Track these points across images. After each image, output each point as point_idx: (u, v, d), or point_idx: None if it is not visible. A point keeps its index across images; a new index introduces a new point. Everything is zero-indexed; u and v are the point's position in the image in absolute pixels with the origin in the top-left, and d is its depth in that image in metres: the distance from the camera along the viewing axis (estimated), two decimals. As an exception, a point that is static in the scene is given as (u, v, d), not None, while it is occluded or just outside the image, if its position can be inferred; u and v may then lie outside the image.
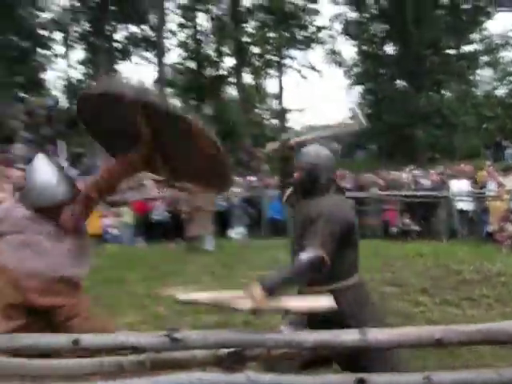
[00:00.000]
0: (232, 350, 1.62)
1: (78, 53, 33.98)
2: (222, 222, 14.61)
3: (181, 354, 1.55)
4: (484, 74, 41.48)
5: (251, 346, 1.64)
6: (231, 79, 35.51)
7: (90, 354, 1.49)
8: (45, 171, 3.22)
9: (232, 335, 1.60)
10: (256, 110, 41.00)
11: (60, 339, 1.46)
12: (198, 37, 34.67)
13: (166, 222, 14.23)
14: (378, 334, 2.14)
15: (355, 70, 38.41)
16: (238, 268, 8.45)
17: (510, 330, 2.17)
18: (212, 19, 34.77)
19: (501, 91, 40.47)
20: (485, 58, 37.98)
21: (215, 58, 35.79)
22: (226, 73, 35.23)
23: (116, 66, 32.97)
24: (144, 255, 10.20)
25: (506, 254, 9.85)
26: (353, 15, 35.14)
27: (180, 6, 34.43)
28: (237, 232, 13.49)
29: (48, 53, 32.61)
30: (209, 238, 10.81)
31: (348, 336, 2.03)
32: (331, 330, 1.92)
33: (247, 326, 5.47)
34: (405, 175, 15.27)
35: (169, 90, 35.30)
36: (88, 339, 1.44)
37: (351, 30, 35.02)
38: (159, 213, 14.26)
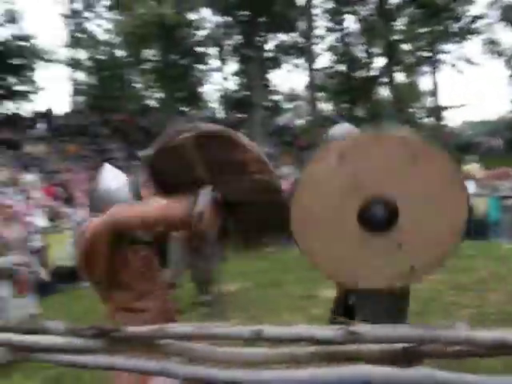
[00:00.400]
0: (408, 345, 1.63)
1: (232, 65, 35.50)
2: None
3: (356, 347, 1.60)
4: None
5: (428, 341, 1.63)
6: (383, 79, 34.87)
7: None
8: (108, 178, 3.35)
9: (409, 330, 1.60)
10: (410, 109, 39.89)
11: (243, 330, 1.60)
12: (346, 39, 34.60)
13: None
14: None
15: (517, 58, 35.77)
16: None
17: None
18: (360, 20, 34.48)
19: None
20: None
21: (365, 59, 35.45)
22: (377, 73, 34.70)
23: (267, 75, 34.02)
24: (299, 257, 10.33)
25: None
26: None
27: (327, 11, 34.59)
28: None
29: (205, 68, 34.56)
30: None
31: None
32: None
33: (419, 316, 5.32)
34: None
35: (320, 95, 35.57)
36: (270, 330, 1.56)
37: (511, 16, 32.69)
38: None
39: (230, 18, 30.23)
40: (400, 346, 1.62)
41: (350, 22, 34.43)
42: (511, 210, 13.05)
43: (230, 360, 1.61)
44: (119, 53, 34.36)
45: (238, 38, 31.01)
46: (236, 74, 36.36)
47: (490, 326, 4.51)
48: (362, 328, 1.56)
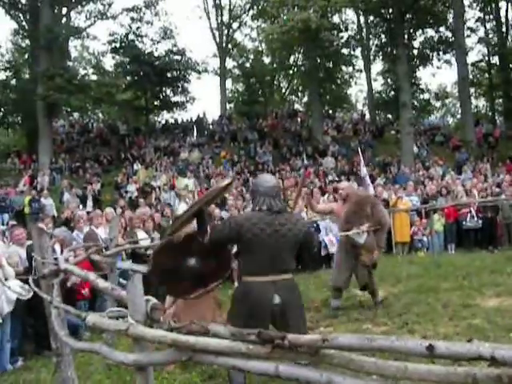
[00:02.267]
0: None
1: (378, 65, 34.92)
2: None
3: None
4: None
5: None
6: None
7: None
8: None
9: None
10: None
11: (415, 344, 1.57)
12: (501, 29, 32.42)
13: (478, 229, 13.65)
14: None
15: None
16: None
17: None
18: (516, 7, 32.16)
19: None
20: None
21: (523, 49, 33.00)
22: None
23: (416, 74, 32.94)
24: (456, 264, 9.91)
25: None
26: None
27: (478, 0, 32.70)
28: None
29: (350, 69, 34.36)
30: None
31: None
32: None
33: None
34: None
35: (472, 91, 33.72)
36: (443, 346, 1.51)
37: None
38: (471, 220, 13.73)
39: (374, 18, 29.74)
40: None
41: (505, 11, 32.22)
42: None
43: (401, 376, 1.58)
44: (266, 59, 35.33)
45: (383, 37, 30.39)
46: (383, 73, 35.70)
47: None
48: None
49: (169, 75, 30.59)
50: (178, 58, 30.62)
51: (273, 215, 3.94)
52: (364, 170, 14.57)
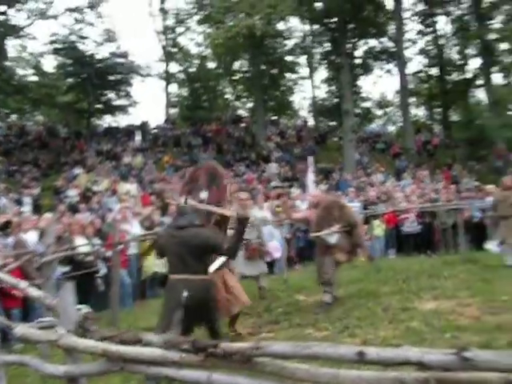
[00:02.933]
0: None
1: (322, 73, 35.44)
2: (478, 233, 13.86)
3: (468, 375, 1.49)
4: None
5: None
6: (478, 81, 33.46)
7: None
8: None
9: None
10: (509, 112, 37.95)
11: (346, 350, 1.55)
12: (439, 42, 33.54)
13: (417, 234, 14.00)
14: None
15: None
16: (498, 284, 7.88)
17: None
18: (453, 21, 33.32)
19: None
20: None
21: (459, 62, 34.18)
22: (472, 75, 33.35)
23: (358, 82, 33.61)
24: (396, 268, 10.11)
25: None
26: None
27: (417, 13, 33.72)
28: (494, 244, 12.55)
29: (294, 76, 34.71)
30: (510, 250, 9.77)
31: None
32: None
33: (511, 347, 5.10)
34: None
35: (412, 100, 34.69)
36: (373, 352, 1.50)
37: None
38: (410, 225, 14.07)
39: (318, 26, 30.19)
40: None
41: (442, 24, 33.41)
42: None
43: (333, 382, 1.56)
44: (210, 65, 35.25)
45: (327, 46, 30.89)
46: (326, 81, 36.23)
47: None
48: (477, 354, 1.45)
49: (112, 78, 30.09)
50: (121, 60, 30.16)
51: (178, 230, 5.21)
52: (311, 177, 14.71)
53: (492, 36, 28.65)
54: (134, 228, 11.34)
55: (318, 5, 27.59)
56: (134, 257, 10.95)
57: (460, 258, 10.86)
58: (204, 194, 5.98)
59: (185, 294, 4.91)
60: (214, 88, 36.41)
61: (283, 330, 6.73)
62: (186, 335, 4.67)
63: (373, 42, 31.04)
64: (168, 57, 34.56)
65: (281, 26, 29.17)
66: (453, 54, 34.75)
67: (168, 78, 34.75)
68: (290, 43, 30.44)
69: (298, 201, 15.02)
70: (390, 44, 30.32)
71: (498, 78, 33.83)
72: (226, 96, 38.37)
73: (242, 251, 7.81)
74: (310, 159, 12.95)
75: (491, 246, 12.13)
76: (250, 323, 7.23)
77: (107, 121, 34.37)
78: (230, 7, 24.36)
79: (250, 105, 35.74)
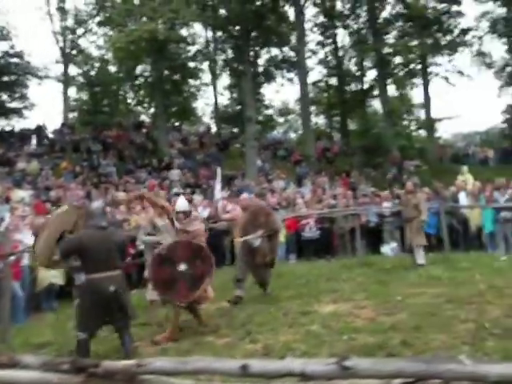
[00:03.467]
0: (405, 380, 1.52)
1: (225, 80, 35.63)
2: (374, 237, 14.42)
3: (350, 382, 1.49)
4: None
5: (427, 377, 1.52)
6: (375, 92, 35.01)
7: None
8: None
9: (407, 365, 1.50)
10: (403, 122, 40.02)
11: (230, 364, 1.50)
12: (338, 53, 34.78)
13: (317, 239, 14.31)
14: None
15: (507, 69, 36.08)
16: (393, 285, 8.22)
17: None
18: (351, 34, 34.67)
19: None
20: None
21: (357, 73, 35.60)
22: (368, 86, 34.84)
23: (260, 90, 34.07)
24: (297, 273, 10.27)
25: None
26: (500, 11, 33.08)
27: (318, 25, 34.78)
28: (390, 247, 13.12)
29: (197, 83, 34.63)
30: (420, 250, 10.15)
31: None
32: None
33: (405, 346, 5.30)
34: None
35: (313, 108, 35.64)
36: (257, 365, 1.46)
37: (500, 28, 32.98)
38: (309, 231, 14.36)
39: (221, 33, 30.34)
40: (398, 382, 1.53)
41: (341, 36, 34.70)
42: (507, 221, 13.03)
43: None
44: (111, 68, 34.41)
45: (230, 53, 31.08)
46: (228, 88, 36.44)
47: (490, 342, 4.43)
48: (356, 362, 1.46)
49: (5, 79, 28.58)
50: (15, 61, 28.73)
51: (98, 230, 5.86)
52: (218, 187, 14.80)
53: (387, 50, 30.06)
54: (26, 238, 10.74)
55: (222, 12, 27.73)
56: (27, 268, 10.37)
57: (357, 261, 11.23)
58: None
59: (112, 288, 5.70)
60: (116, 92, 35.60)
61: (185, 338, 6.63)
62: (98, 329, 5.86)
63: (275, 51, 31.63)
64: (66, 59, 33.30)
65: (184, 31, 29.06)
66: (351, 65, 36.19)
67: (67, 80, 33.47)
68: (193, 49, 30.33)
69: (200, 207, 14.95)
70: (292, 53, 31.00)
71: (392, 90, 35.59)
72: (128, 101, 37.62)
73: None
74: (219, 170, 13.08)
75: (386, 249, 12.65)
76: (150, 333, 7.06)
77: (0, 124, 32.63)
78: (132, 10, 23.90)
79: (152, 110, 35.23)
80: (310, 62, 33.73)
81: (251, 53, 29.05)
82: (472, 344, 5.24)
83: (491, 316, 6.07)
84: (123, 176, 21.56)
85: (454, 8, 30.60)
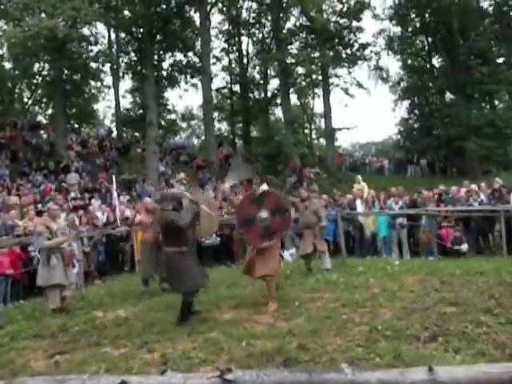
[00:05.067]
0: None
1: (127, 82, 34.95)
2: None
3: None
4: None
5: None
6: (277, 101, 35.71)
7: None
8: None
9: (289, 375, 1.50)
10: (304, 131, 41.07)
11: (107, 381, 1.42)
12: (242, 61, 35.15)
13: (217, 245, 14.32)
14: (446, 373, 2.00)
15: (402, 84, 38.11)
16: (291, 290, 8.34)
17: None
18: (255, 43, 35.19)
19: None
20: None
21: (260, 81, 36.14)
22: (271, 95, 35.47)
23: (163, 94, 33.73)
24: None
25: None
26: (396, 30, 34.97)
27: (223, 32, 35.00)
28: (289, 253, 13.33)
29: (99, 84, 33.72)
30: (325, 256, 10.25)
31: (415, 375, 1.92)
32: (397, 369, 1.83)
33: (302, 351, 5.36)
34: (459, 189, 14.79)
35: (216, 114, 35.74)
36: (136, 381, 1.39)
37: (395, 45, 34.84)
38: (210, 238, 14.32)
39: (125, 35, 29.75)
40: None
41: (247, 44, 35.14)
42: (401, 227, 13.66)
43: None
44: (7, 65, 32.70)
45: (133, 56, 30.55)
46: (131, 91, 35.77)
47: (382, 343, 4.57)
48: (237, 374, 1.44)
49: None
50: None
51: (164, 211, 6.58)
52: (115, 194, 14.54)
53: (290, 60, 30.76)
54: None
55: (126, 13, 27.19)
56: None
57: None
58: None
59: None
60: (11, 90, 33.88)
61: (80, 349, 6.33)
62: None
63: (179, 56, 31.48)
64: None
65: (86, 30, 28.19)
66: (255, 73, 36.72)
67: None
68: (95, 49, 29.47)
69: (99, 213, 14.53)
70: (196, 59, 30.97)
71: (294, 99, 36.46)
72: (24, 100, 35.93)
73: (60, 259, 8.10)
74: (113, 177, 12.80)
75: (286, 255, 12.84)
76: (44, 344, 6.70)
77: None
78: (29, 4, 22.82)
79: (50, 111, 33.86)
80: (214, 69, 33.97)
81: (155, 56, 28.74)
82: (365, 346, 5.39)
83: (383, 318, 6.28)
84: (17, 179, 20.48)
85: (355, 24, 31.96)
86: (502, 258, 11.51)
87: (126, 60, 31.90)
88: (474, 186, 14.40)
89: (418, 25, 34.51)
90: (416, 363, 4.69)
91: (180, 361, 5.44)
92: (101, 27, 30.29)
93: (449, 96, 34.35)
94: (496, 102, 34.13)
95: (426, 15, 33.33)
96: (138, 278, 11.44)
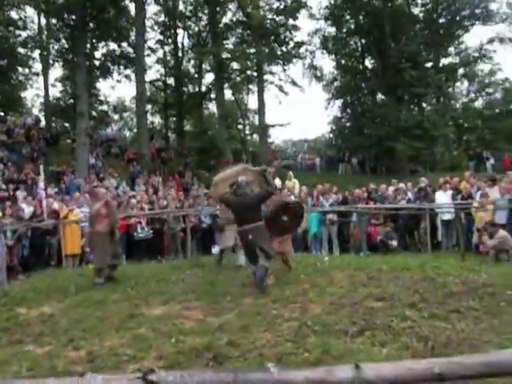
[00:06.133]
0: None
1: (57, 71, 33.90)
2: (206, 239, 14.56)
3: None
4: (462, 86, 42.45)
5: None
6: (212, 95, 35.57)
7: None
8: None
9: (213, 375, 1.46)
10: (237, 126, 41.09)
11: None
12: (178, 54, 34.75)
13: (148, 239, 14.08)
14: (372, 370, 2.03)
15: (335, 84, 38.83)
16: (222, 286, 8.30)
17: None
18: (191, 36, 34.88)
19: (478, 103, 41.29)
20: (462, 71, 38.85)
21: (195, 75, 35.87)
22: (206, 89, 35.28)
23: (95, 84, 32.90)
24: (127, 274, 9.96)
25: (491, 264, 9.82)
26: (331, 30, 35.58)
27: (159, 23, 34.49)
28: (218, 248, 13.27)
29: (27, 71, 32.49)
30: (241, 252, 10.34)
31: (342, 373, 1.94)
32: (323, 367, 1.87)
33: (231, 346, 5.35)
34: (388, 187, 15.22)
35: (149, 107, 35.23)
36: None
37: (329, 45, 35.45)
38: (141, 231, 14.10)
39: (56, 21, 28.76)
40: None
41: (183, 37, 34.77)
42: (332, 223, 13.89)
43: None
44: None
45: (64, 43, 29.62)
46: (61, 80, 34.67)
47: (311, 338, 4.59)
48: (161, 376, 1.38)
49: None
50: None
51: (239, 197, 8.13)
52: (42, 185, 14.07)
53: (225, 55, 30.70)
54: None
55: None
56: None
57: (188, 262, 11.21)
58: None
59: (250, 237, 7.87)
60: None
61: (1, 348, 6.06)
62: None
63: (113, 46, 30.78)
64: None
65: (14, 14, 27.07)
66: (190, 66, 36.42)
67: None
68: (23, 34, 28.35)
69: (24, 204, 14.01)
70: (130, 50, 30.37)
71: (228, 94, 36.44)
72: None
73: None
74: (41, 167, 12.41)
75: (217, 250, 12.80)
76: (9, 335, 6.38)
77: None
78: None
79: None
80: (149, 60, 33.40)
81: (88, 45, 27.98)
82: (294, 341, 5.44)
83: (313, 314, 6.35)
84: None
85: (291, 22, 32.27)
86: (427, 255, 11.98)
87: (56, 47, 30.90)
88: (402, 185, 14.85)
89: (352, 26, 35.25)
90: (344, 358, 4.79)
91: (107, 358, 5.32)
92: (30, 11, 29.12)
93: (380, 97, 35.29)
94: (424, 105, 35.37)
95: (361, 17, 34.07)
96: (65, 272, 11.14)
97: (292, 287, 7.83)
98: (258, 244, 7.85)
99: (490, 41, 35.84)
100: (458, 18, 35.23)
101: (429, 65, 33.81)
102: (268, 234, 8.18)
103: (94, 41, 29.82)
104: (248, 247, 8.02)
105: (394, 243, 13.19)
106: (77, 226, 13.35)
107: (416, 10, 35.75)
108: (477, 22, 35.33)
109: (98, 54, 31.12)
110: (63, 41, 30.00)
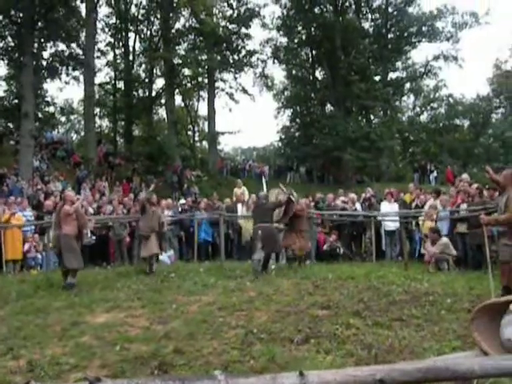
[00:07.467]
0: None
1: (1, 69, 32.89)
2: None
3: None
4: (408, 100, 43.75)
5: None
6: (162, 100, 35.30)
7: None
8: None
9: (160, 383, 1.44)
10: (187, 132, 40.96)
11: None
12: (128, 57, 34.33)
13: (93, 245, 13.77)
14: (316, 377, 2.08)
15: (285, 93, 39.25)
16: (167, 293, 8.24)
17: (450, 366, 2.17)
18: (143, 40, 34.56)
19: (424, 117, 42.64)
20: (408, 86, 40.02)
21: (146, 79, 35.52)
22: (156, 94, 34.98)
23: (42, 85, 32.12)
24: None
25: (432, 273, 10.10)
26: (283, 40, 35.96)
27: (110, 26, 34.02)
28: (167, 255, 13.19)
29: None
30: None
31: (287, 380, 1.97)
32: (269, 374, 1.91)
33: (177, 354, 5.31)
34: (335, 197, 15.44)
35: (97, 110, 34.66)
36: None
37: (281, 55, 35.81)
38: (85, 237, 13.77)
39: (1, 18, 27.90)
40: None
41: (134, 41, 34.41)
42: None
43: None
44: None
45: (10, 41, 28.74)
46: (6, 79, 33.67)
47: (257, 346, 4.62)
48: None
49: None
50: None
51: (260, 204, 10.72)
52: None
53: (177, 60, 30.56)
54: None
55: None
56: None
57: (134, 269, 11.07)
58: None
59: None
60: None
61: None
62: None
63: (62, 46, 30.09)
64: None
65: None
66: (140, 71, 36.07)
67: None
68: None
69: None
70: (80, 51, 29.80)
71: (178, 100, 36.27)
72: None
73: None
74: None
75: (164, 257, 12.71)
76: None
77: None
78: None
79: None
80: (98, 63, 32.86)
81: (35, 44, 27.27)
82: (241, 349, 5.45)
83: (259, 322, 6.38)
84: None
85: (244, 30, 32.43)
86: (371, 263, 12.23)
87: (1, 44, 29.95)
88: (352, 196, 15.11)
89: (303, 37, 35.74)
90: (289, 365, 4.82)
91: (48, 367, 5.16)
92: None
93: (329, 108, 35.89)
94: (372, 117, 36.18)
95: (312, 29, 34.58)
96: (5, 278, 10.78)
97: (238, 295, 7.85)
98: (264, 238, 10.04)
99: (436, 58, 37.13)
100: (405, 34, 36.29)
101: (377, 78, 34.65)
102: (276, 233, 10.72)
103: (41, 40, 29.09)
104: (263, 239, 10.10)
105: (341, 251, 13.42)
106: (19, 230, 12.94)
107: (366, 25, 36.64)
108: (423, 39, 36.51)
109: (45, 54, 30.38)
110: (9, 38, 29.12)
